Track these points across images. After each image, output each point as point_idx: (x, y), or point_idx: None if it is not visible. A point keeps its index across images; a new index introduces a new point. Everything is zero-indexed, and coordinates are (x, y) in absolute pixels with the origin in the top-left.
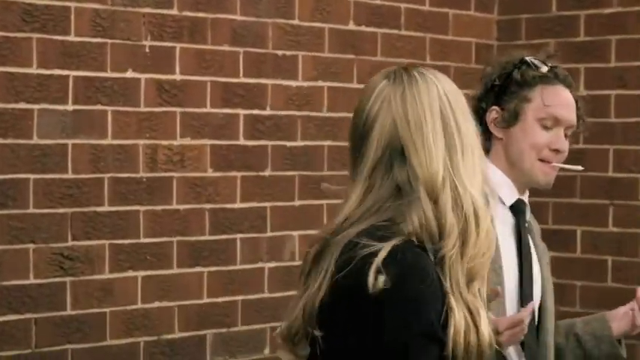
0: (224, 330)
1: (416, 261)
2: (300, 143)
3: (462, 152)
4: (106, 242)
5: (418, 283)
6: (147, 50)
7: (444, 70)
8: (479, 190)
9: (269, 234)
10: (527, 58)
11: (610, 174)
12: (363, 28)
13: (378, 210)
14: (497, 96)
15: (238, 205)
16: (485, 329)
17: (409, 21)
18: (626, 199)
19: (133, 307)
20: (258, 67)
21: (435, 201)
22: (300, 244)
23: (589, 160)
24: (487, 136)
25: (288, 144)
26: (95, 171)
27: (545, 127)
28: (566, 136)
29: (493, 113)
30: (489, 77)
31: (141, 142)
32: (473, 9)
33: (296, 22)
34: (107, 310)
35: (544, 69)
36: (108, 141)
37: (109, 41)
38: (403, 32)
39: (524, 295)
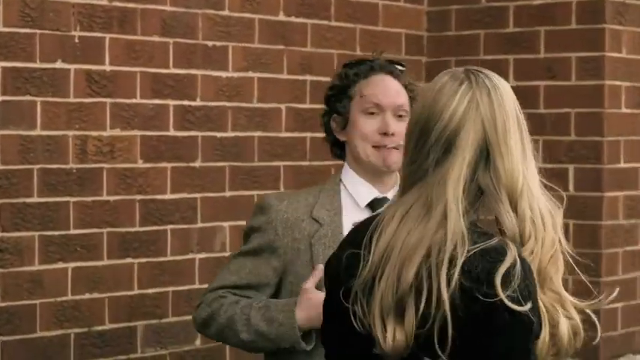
0: (155, 321)
1: (531, 267)
2: (230, 134)
3: (528, 159)
4: (36, 234)
5: (536, 288)
6: (76, 41)
7: None
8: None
9: (200, 225)
10: (346, 63)
11: (540, 165)
12: (292, 18)
13: (466, 211)
14: (333, 106)
15: (169, 196)
16: (564, 325)
17: (339, 12)
18: (556, 189)
19: (63, 298)
20: (188, 58)
21: (514, 207)
22: (230, 234)
23: None
24: (338, 142)
25: (219, 135)
26: (24, 162)
27: (370, 115)
28: (401, 117)
29: (333, 123)
30: (325, 94)
31: (70, 133)
32: (403, 0)
33: (226, 12)
34: (37, 301)
35: (360, 66)
36: (37, 132)
37: (38, 31)
38: (333, 23)
39: None
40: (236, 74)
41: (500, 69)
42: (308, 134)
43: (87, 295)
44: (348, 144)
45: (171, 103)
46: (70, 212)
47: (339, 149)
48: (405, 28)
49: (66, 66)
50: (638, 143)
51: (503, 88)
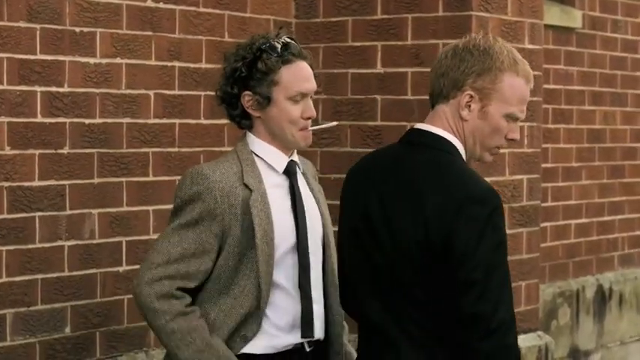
0: (24, 309)
1: None
2: (98, 120)
3: None
4: None
5: None
6: None
7: None
8: None
9: (68, 212)
10: (264, 47)
11: None
12: (161, 5)
13: None
14: (246, 82)
15: (37, 182)
16: None
17: None
18: None
19: None
20: (56, 44)
21: None
22: (99, 221)
23: (386, 137)
24: (246, 115)
25: (87, 121)
26: None
27: (296, 102)
28: (311, 95)
29: (247, 98)
30: (234, 67)
31: None
32: None
33: None
34: None
35: (280, 51)
36: None
37: None
38: (201, 9)
39: (301, 247)
40: (104, 60)
41: (368, 55)
42: (177, 120)
43: None
44: (264, 121)
45: (39, 89)
46: None
47: (246, 120)
48: (273, 14)
49: None
50: None
51: None
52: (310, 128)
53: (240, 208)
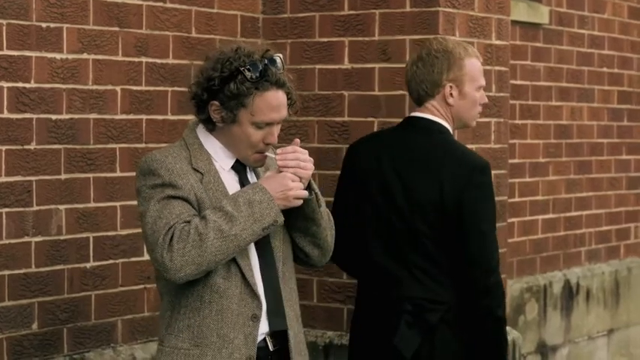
0: None
1: None
2: (65, 116)
3: None
4: None
5: None
6: None
7: (209, 43)
8: None
9: (35, 208)
10: (243, 69)
11: None
12: (127, 0)
13: None
14: (216, 93)
15: (3, 178)
16: None
17: None
18: None
19: None
20: (22, 40)
21: None
22: (66, 217)
23: (354, 133)
24: (210, 120)
25: (54, 117)
26: None
27: (260, 128)
28: (278, 123)
29: (213, 107)
30: (210, 75)
31: None
32: None
33: None
34: None
35: (256, 75)
36: None
37: None
38: (168, 5)
39: None
40: (71, 56)
41: (336, 51)
42: (144, 116)
43: None
44: (225, 132)
45: (5, 85)
46: None
47: (211, 125)
48: (240, 10)
49: None
50: None
51: None
52: (267, 154)
53: (196, 190)
